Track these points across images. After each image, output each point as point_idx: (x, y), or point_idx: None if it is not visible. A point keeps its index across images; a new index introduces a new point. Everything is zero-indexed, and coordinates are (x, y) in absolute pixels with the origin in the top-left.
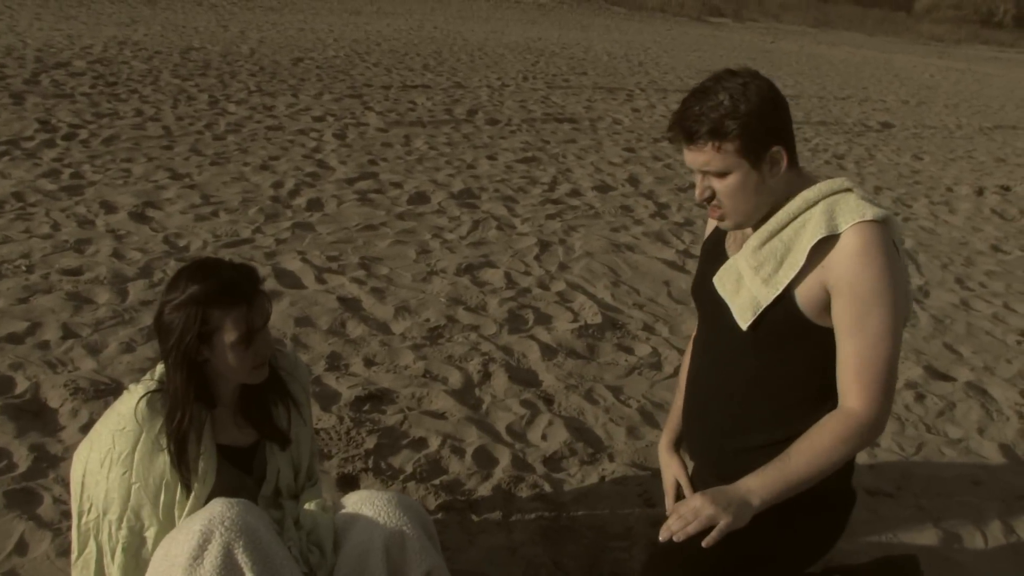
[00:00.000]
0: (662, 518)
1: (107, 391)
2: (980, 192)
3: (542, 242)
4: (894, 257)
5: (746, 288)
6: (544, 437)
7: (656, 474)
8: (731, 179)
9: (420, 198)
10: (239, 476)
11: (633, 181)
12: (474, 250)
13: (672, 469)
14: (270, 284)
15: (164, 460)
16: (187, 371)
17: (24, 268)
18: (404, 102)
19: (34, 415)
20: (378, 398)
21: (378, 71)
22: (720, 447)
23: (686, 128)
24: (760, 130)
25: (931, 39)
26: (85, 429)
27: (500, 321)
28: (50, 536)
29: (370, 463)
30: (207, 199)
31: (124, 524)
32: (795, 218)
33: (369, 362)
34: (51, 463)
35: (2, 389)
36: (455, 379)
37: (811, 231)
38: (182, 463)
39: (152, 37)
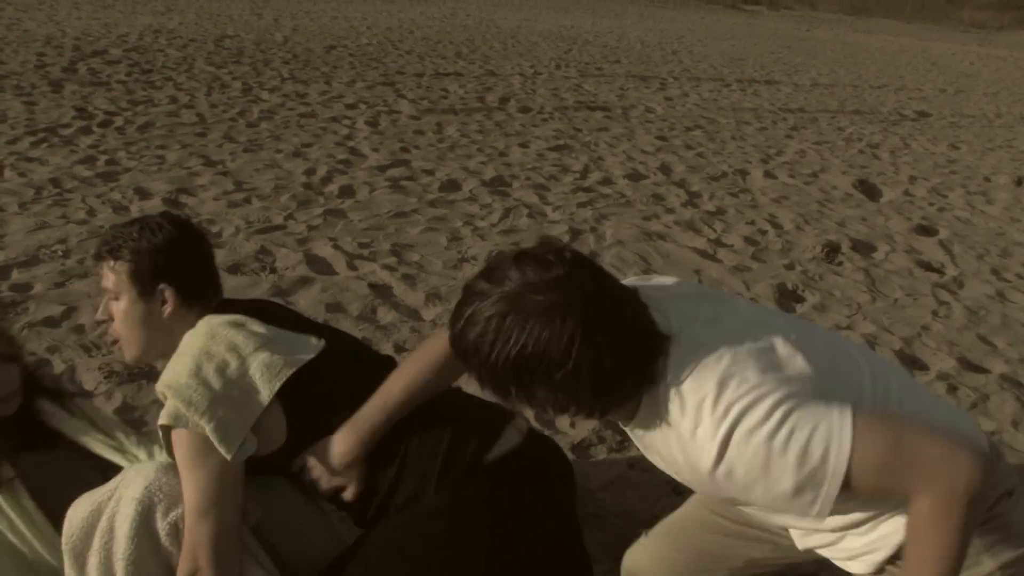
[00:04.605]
0: None
1: (140, 375)
2: (1019, 182)
3: (573, 230)
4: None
5: None
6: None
7: None
8: (122, 303)
9: (452, 185)
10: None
11: (665, 170)
12: (505, 238)
13: None
14: (301, 270)
15: None
16: None
17: (61, 253)
18: (436, 90)
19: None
20: None
21: (411, 59)
22: None
23: (97, 245)
24: (150, 262)
25: (972, 26)
26: (119, 412)
27: None
28: None
29: None
30: (240, 185)
31: None
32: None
33: (399, 348)
34: None
35: None
36: None
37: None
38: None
39: (187, 25)
